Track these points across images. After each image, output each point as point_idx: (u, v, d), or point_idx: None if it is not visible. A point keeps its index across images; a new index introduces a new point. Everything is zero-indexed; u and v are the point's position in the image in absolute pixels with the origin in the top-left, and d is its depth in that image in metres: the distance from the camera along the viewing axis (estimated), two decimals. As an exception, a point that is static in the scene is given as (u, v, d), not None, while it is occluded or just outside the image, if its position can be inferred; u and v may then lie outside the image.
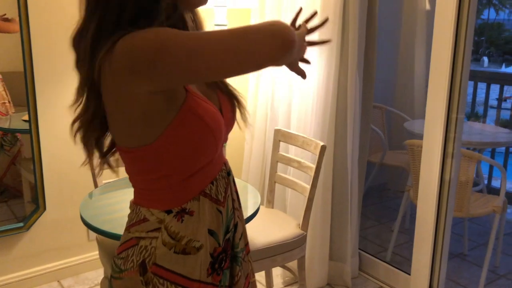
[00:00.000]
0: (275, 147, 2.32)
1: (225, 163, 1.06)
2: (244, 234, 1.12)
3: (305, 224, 2.10)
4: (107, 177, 1.39)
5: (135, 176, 0.98)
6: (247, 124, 1.11)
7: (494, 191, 3.41)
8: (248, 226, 1.71)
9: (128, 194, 1.07)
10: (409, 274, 2.40)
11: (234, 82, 1.09)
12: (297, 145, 2.23)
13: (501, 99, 4.07)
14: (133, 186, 1.00)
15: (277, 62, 0.84)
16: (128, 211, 1.02)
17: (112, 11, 0.85)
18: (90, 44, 0.86)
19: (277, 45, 0.80)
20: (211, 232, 0.98)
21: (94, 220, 1.73)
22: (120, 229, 1.76)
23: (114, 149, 0.98)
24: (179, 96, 0.89)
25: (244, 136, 2.86)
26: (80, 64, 0.91)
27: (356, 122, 2.40)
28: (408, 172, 3.24)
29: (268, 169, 2.59)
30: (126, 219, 1.01)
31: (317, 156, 2.04)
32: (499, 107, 4.07)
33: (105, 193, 2.08)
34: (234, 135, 2.68)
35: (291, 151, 2.43)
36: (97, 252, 2.54)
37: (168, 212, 0.94)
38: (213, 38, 0.81)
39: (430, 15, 3.47)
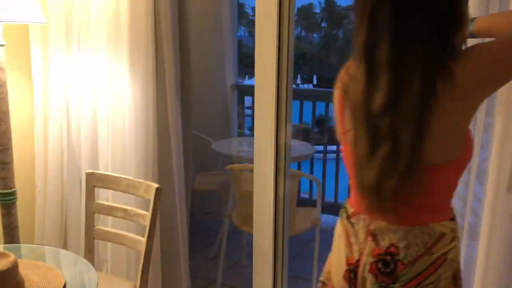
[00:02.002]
0: (90, 195, 1.85)
1: None
2: None
3: (144, 285, 1.72)
4: None
5: (438, 193, 1.01)
6: None
7: (302, 202, 3.59)
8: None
9: None
10: (251, 305, 2.25)
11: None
12: (119, 190, 1.81)
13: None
14: (420, 207, 1.00)
15: None
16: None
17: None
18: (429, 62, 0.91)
19: None
20: None
21: None
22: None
23: None
24: None
25: (33, 182, 2.20)
26: (407, 83, 0.91)
27: (180, 152, 2.13)
28: (221, 194, 3.12)
29: (72, 223, 2.12)
30: None
31: (151, 201, 1.68)
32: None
33: None
34: (22, 183, 2.07)
35: (102, 196, 2.00)
36: None
37: (451, 219, 1.03)
38: None
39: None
